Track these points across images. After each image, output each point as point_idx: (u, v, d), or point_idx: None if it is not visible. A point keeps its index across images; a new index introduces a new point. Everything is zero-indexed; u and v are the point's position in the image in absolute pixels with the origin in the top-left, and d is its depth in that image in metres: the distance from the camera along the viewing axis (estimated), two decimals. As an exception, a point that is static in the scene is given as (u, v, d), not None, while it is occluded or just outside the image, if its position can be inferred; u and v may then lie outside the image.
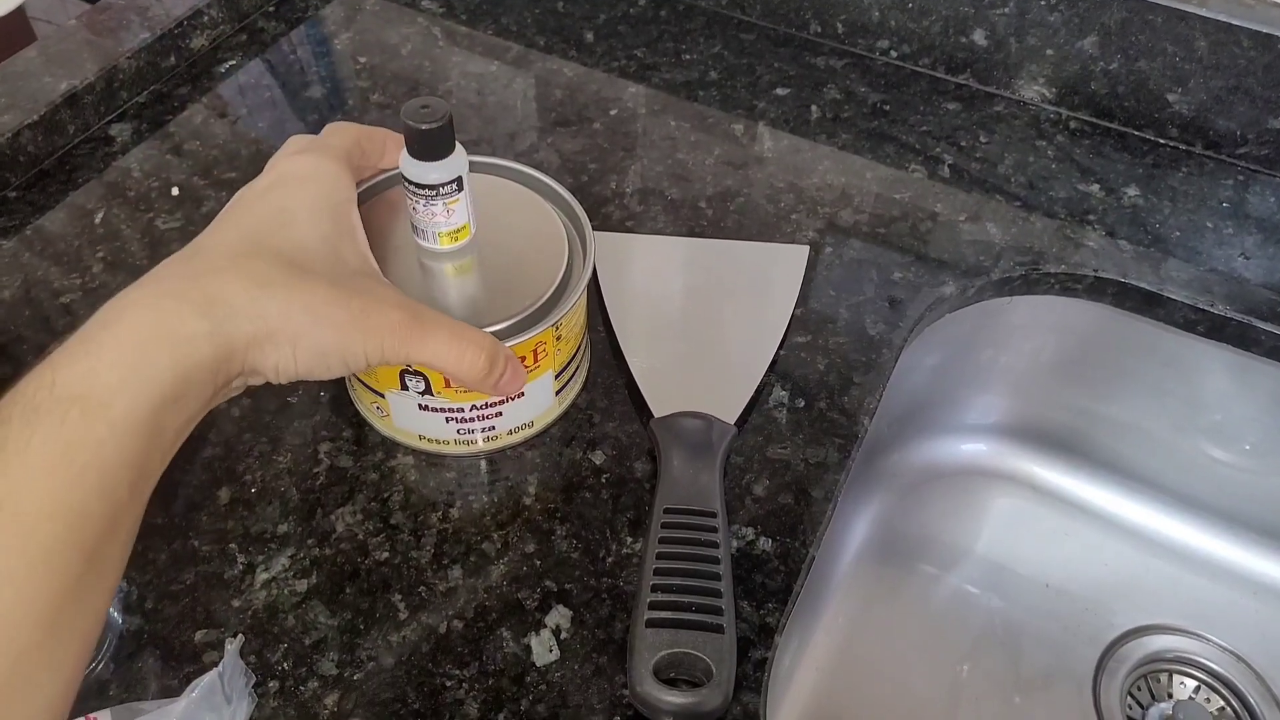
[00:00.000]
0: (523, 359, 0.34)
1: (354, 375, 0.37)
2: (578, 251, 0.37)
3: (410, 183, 0.34)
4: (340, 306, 0.27)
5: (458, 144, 0.34)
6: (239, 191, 0.31)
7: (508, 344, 0.33)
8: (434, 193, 0.34)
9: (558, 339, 0.36)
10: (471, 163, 0.35)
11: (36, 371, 0.23)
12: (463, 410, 0.36)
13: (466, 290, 0.36)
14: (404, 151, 0.33)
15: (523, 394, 0.36)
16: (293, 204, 0.29)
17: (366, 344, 0.28)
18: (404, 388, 0.35)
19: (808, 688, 0.49)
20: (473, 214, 0.36)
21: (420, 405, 0.36)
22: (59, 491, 0.22)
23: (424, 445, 0.38)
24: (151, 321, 0.25)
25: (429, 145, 0.33)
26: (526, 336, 0.34)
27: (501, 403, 0.36)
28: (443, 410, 0.36)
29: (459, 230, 0.35)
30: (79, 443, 0.22)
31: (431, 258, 0.36)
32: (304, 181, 0.30)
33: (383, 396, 0.36)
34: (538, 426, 0.39)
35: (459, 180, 0.34)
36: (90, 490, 0.22)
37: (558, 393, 0.38)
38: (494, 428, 0.37)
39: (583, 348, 0.39)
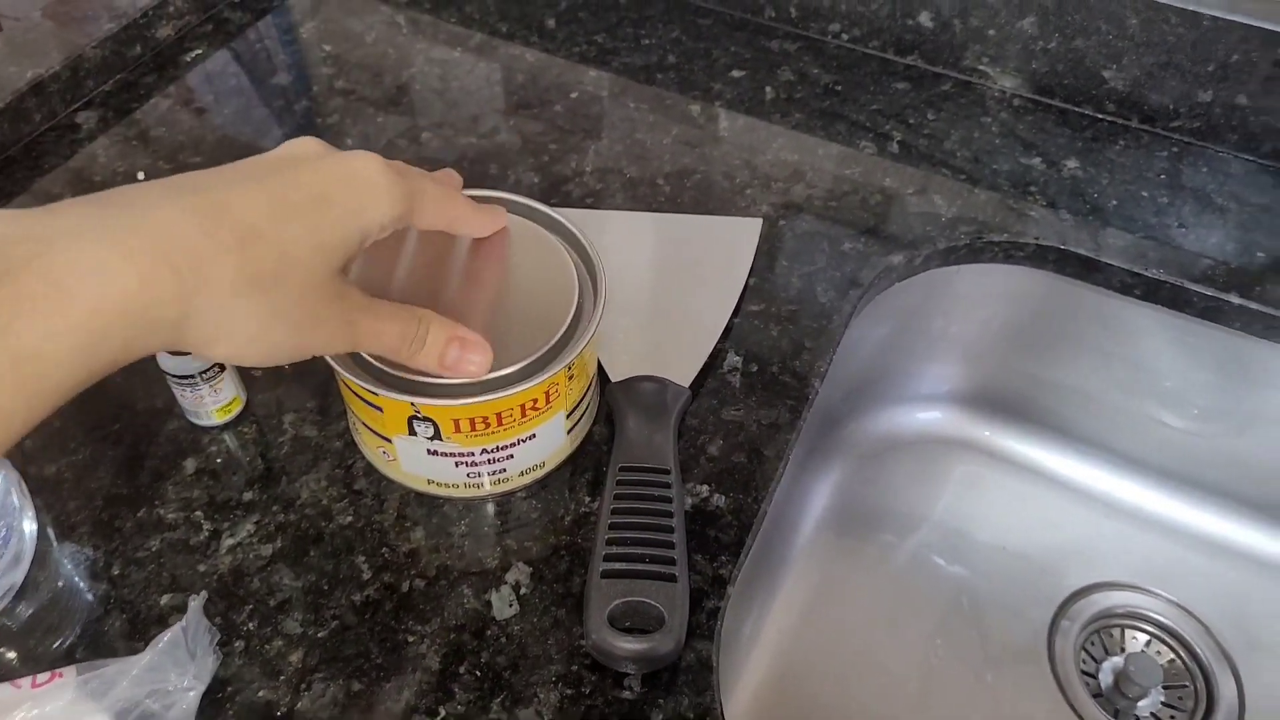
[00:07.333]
0: (534, 402, 0.34)
1: (360, 421, 0.36)
2: (588, 289, 0.36)
3: (171, 375, 0.37)
4: (308, 314, 0.27)
5: None
6: (302, 149, 0.29)
7: (516, 389, 0.33)
8: (197, 379, 0.37)
9: (570, 378, 0.35)
10: (475, 198, 0.35)
11: (10, 278, 0.22)
12: (473, 454, 0.35)
13: (475, 332, 0.33)
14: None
15: (534, 435, 0.35)
16: (334, 204, 0.27)
17: (319, 343, 0.28)
18: (412, 433, 0.34)
19: (770, 650, 0.50)
20: (240, 385, 0.39)
21: (429, 450, 0.35)
22: None
23: (432, 490, 0.37)
24: (133, 292, 0.23)
25: None
26: (536, 381, 0.33)
27: (513, 445, 0.35)
28: (452, 455, 0.35)
29: (229, 403, 0.39)
30: None
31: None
32: (362, 190, 0.28)
33: (390, 441, 0.35)
34: (549, 466, 0.37)
35: (219, 363, 0.37)
36: None
37: (569, 431, 0.37)
38: (505, 470, 0.36)
39: (593, 383, 0.38)
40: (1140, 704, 0.49)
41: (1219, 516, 0.55)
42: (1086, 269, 0.47)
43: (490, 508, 0.37)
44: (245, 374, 0.41)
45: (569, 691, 0.32)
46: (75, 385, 0.23)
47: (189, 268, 0.24)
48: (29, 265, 0.22)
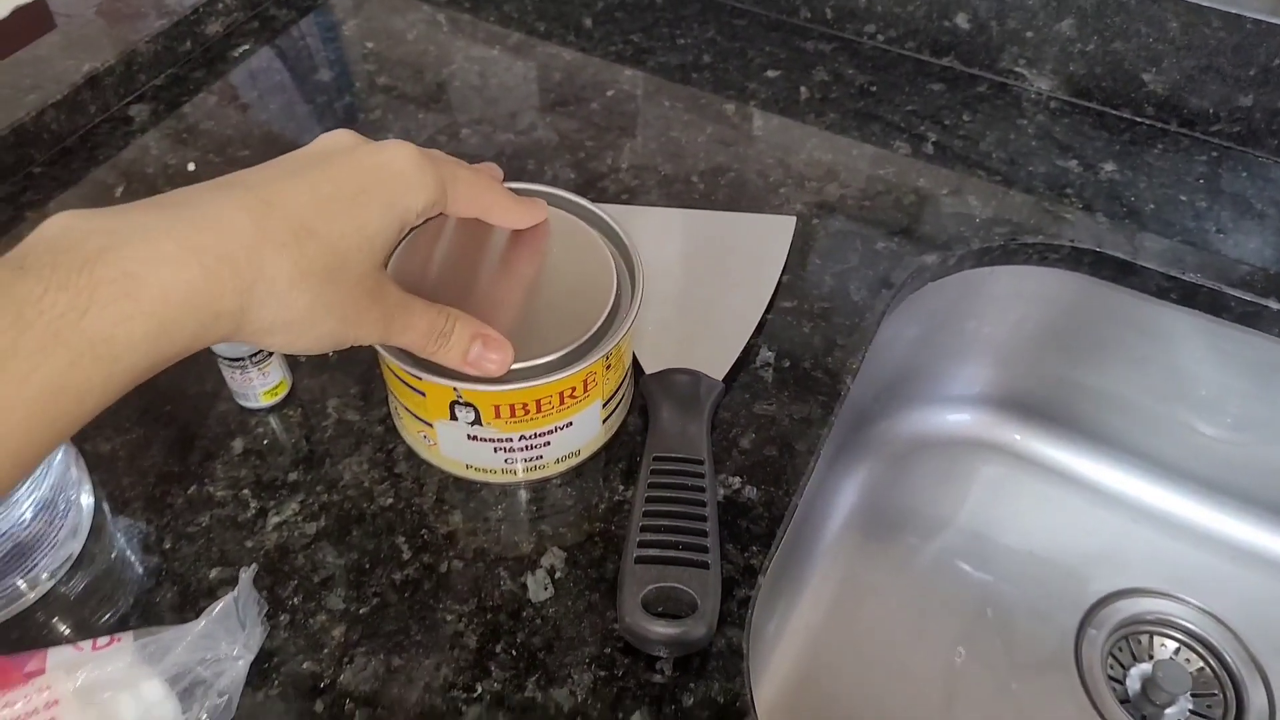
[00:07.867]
0: (571, 390, 0.35)
1: (402, 406, 0.37)
2: (626, 282, 0.37)
3: (222, 356, 0.38)
4: (354, 307, 0.28)
5: None
6: (336, 142, 0.30)
7: (555, 376, 0.33)
8: (246, 362, 0.38)
9: (607, 368, 0.36)
10: (516, 191, 0.36)
11: (86, 267, 0.23)
12: (510, 440, 0.36)
13: (515, 322, 0.35)
14: None
15: (571, 423, 0.36)
16: (372, 196, 0.28)
17: (360, 335, 0.29)
18: (453, 418, 0.35)
19: (795, 646, 0.50)
20: (286, 369, 0.40)
21: (469, 435, 0.36)
22: (24, 424, 0.22)
23: (470, 474, 0.38)
24: (199, 284, 0.24)
25: None
26: (575, 370, 0.34)
27: (550, 432, 0.36)
28: (491, 440, 0.36)
29: (276, 386, 0.40)
30: (73, 390, 0.23)
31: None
32: (396, 180, 0.29)
33: (431, 426, 0.36)
34: (584, 454, 0.38)
35: None
36: (53, 426, 0.23)
37: (604, 420, 0.38)
38: (541, 457, 0.37)
39: (628, 374, 0.39)
40: (1168, 711, 0.49)
41: (1250, 524, 0.54)
42: (1122, 272, 0.47)
43: (526, 494, 0.38)
44: (290, 359, 0.42)
45: (602, 673, 0.33)
46: (146, 369, 0.24)
47: (246, 261, 0.25)
48: (103, 256, 0.23)
